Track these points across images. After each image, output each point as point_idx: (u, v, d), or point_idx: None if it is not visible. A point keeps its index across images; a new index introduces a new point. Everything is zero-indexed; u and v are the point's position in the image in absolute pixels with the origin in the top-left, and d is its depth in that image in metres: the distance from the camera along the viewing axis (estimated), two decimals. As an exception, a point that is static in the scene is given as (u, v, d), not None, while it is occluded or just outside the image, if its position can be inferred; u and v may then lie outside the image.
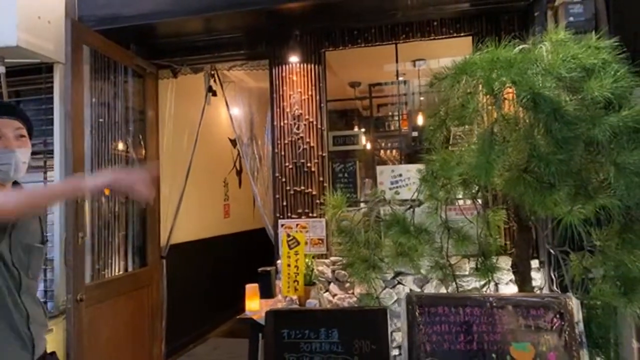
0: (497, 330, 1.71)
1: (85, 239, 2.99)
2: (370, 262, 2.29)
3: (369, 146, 5.34)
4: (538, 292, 2.84)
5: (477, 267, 2.19)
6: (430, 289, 3.05)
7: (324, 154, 3.33)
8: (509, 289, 2.94)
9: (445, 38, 3.21)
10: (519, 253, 2.31)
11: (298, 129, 3.34)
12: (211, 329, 4.98)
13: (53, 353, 1.70)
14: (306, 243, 3.21)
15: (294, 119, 3.35)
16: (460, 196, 2.30)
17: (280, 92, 3.40)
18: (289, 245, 2.78)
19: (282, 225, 3.29)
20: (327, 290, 3.26)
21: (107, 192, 3.07)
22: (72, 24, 2.83)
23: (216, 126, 5.10)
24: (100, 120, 3.39)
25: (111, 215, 3.47)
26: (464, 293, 2.10)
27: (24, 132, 1.57)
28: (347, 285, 3.22)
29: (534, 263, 2.97)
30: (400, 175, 3.30)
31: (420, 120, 4.40)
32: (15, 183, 1.62)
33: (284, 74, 3.41)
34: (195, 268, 4.70)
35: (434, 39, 3.23)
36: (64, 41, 2.91)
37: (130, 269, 3.59)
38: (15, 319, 1.43)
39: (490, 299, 1.74)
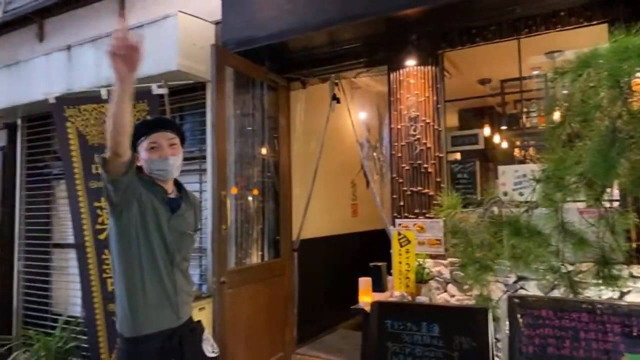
0: (608, 339, 1.61)
1: (229, 231, 3.48)
2: (483, 263, 2.29)
3: (504, 145, 5.10)
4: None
5: (597, 273, 2.04)
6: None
7: (441, 155, 3.34)
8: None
9: (574, 28, 2.96)
10: (654, 261, 2.09)
11: (415, 130, 3.40)
12: (340, 320, 5.23)
13: (199, 321, 2.09)
14: (423, 243, 3.27)
15: (411, 121, 3.42)
16: (582, 198, 2.16)
17: (398, 96, 3.50)
18: (400, 243, 2.88)
19: (400, 225, 3.39)
20: (445, 291, 3.27)
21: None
22: (216, 50, 3.34)
23: (344, 131, 5.39)
24: (242, 128, 3.91)
25: (251, 210, 3.97)
26: (570, 298, 1.98)
27: (176, 140, 1.97)
28: (466, 287, 3.18)
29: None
30: (525, 175, 3.14)
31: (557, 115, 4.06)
32: (177, 182, 2.04)
33: (401, 78, 3.50)
34: (325, 262, 5.01)
35: (561, 30, 3.01)
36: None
37: (266, 259, 4.05)
38: (167, 287, 1.84)
39: (599, 305, 1.65)
